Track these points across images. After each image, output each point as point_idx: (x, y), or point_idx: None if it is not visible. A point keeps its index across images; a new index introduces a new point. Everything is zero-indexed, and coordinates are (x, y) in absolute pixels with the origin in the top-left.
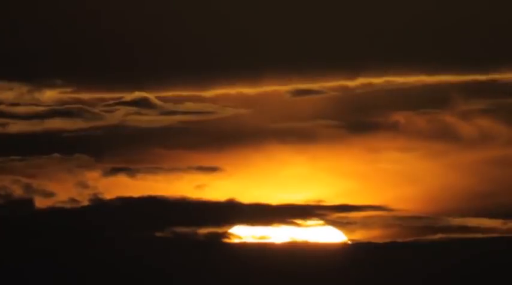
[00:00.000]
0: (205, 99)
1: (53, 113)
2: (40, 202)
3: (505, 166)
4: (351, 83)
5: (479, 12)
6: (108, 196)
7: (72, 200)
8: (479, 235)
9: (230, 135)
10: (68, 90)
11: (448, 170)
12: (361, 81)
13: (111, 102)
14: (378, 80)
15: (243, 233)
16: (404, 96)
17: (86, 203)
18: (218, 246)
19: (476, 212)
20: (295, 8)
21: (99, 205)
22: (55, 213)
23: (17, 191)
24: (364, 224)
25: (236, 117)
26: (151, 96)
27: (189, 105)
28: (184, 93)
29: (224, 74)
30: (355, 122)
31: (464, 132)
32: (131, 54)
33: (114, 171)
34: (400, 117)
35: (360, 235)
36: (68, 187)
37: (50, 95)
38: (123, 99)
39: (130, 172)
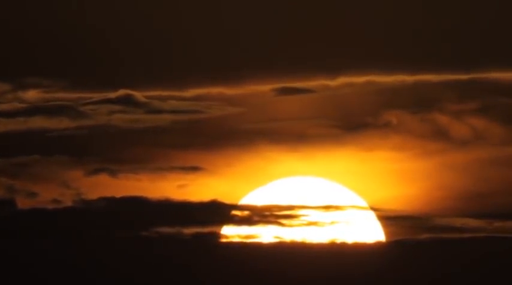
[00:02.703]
0: (187, 99)
1: (37, 112)
2: (22, 203)
3: (496, 166)
4: (332, 83)
5: (462, 11)
6: (90, 196)
7: (55, 200)
8: (467, 235)
9: (217, 134)
10: (52, 88)
11: (439, 170)
12: (342, 80)
13: (93, 100)
14: (359, 79)
15: (229, 233)
16: (392, 95)
17: (68, 203)
18: (205, 246)
19: (465, 212)
20: (273, 8)
21: (82, 205)
22: (38, 213)
23: None
24: (353, 223)
25: (222, 116)
26: (137, 94)
27: (175, 104)
28: (165, 93)
29: (203, 74)
30: (347, 121)
31: (455, 132)
32: (116, 53)
33: (97, 171)
34: (391, 116)
35: (348, 235)
36: (50, 187)
37: (33, 94)
38: (107, 98)
39: (113, 172)
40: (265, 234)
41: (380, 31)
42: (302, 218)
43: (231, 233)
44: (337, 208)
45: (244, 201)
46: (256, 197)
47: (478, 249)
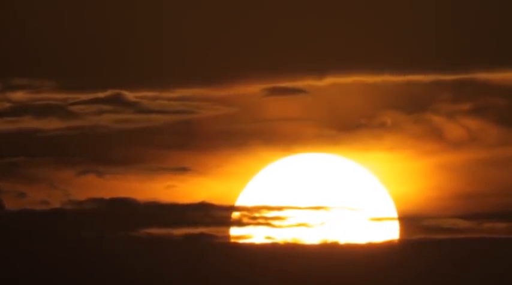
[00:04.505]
0: (176, 99)
1: (26, 112)
2: (10, 204)
3: (489, 167)
4: (320, 83)
5: (455, 9)
6: (79, 197)
7: (44, 201)
8: (457, 236)
9: (207, 135)
10: (41, 89)
11: (433, 171)
12: (329, 80)
13: (83, 100)
14: (346, 79)
15: (219, 234)
16: (386, 96)
17: (57, 204)
18: (196, 247)
19: (456, 213)
20: (257, 8)
21: (71, 207)
22: (26, 214)
23: None
24: (345, 224)
25: (212, 117)
26: (127, 94)
27: (166, 104)
28: (153, 94)
29: (192, 74)
30: (340, 122)
31: (448, 133)
32: (105, 54)
33: (85, 172)
34: (386, 117)
35: (339, 235)
36: (39, 188)
37: (22, 94)
38: (96, 98)
39: (101, 173)
40: (256, 235)
41: (367, 30)
42: (292, 218)
43: (221, 234)
44: (327, 208)
45: (234, 202)
46: (247, 197)
47: (467, 250)
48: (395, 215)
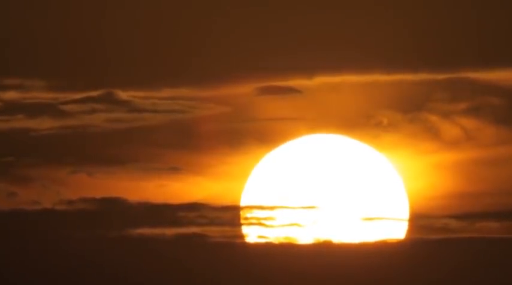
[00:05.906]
0: (169, 98)
1: (18, 112)
2: (1, 203)
3: (485, 167)
4: (309, 82)
5: (450, 8)
6: (70, 197)
7: (34, 201)
8: (454, 236)
9: (200, 134)
10: (33, 89)
11: (429, 171)
12: (319, 80)
13: (74, 99)
14: (335, 79)
15: (213, 234)
16: (379, 94)
17: (48, 204)
18: (190, 247)
19: (450, 213)
20: (247, 8)
21: (62, 206)
22: (17, 214)
23: None
24: (336, 224)
25: (206, 116)
26: (121, 93)
27: (158, 103)
28: (143, 93)
29: (180, 73)
30: (335, 121)
31: (445, 132)
32: (97, 53)
33: (77, 172)
34: (382, 117)
35: (333, 235)
36: (30, 188)
37: (14, 94)
38: (89, 97)
39: (93, 172)
40: (249, 235)
41: (358, 29)
42: (285, 218)
43: (214, 234)
44: (319, 207)
45: (228, 202)
46: (240, 196)
47: (460, 250)
48: (389, 214)
